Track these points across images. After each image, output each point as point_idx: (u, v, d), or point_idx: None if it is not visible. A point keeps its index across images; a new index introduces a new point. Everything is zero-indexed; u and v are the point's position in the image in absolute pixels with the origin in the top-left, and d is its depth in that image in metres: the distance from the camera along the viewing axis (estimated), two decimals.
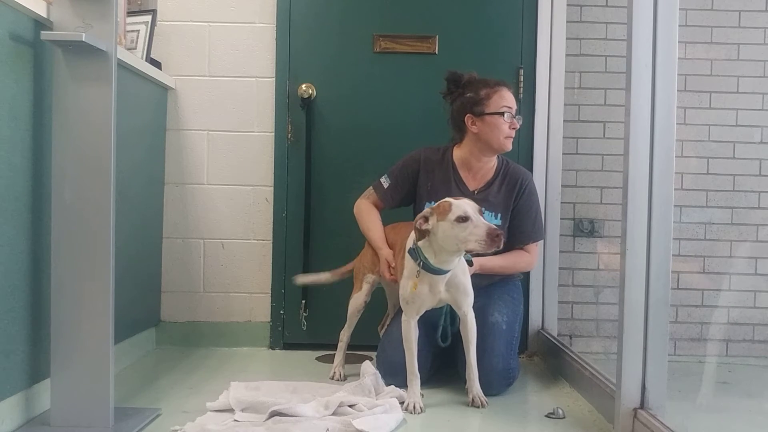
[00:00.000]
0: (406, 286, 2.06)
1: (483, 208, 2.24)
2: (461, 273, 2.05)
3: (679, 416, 1.69)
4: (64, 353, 1.73)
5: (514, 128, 2.31)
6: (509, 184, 2.36)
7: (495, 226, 1.89)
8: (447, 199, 1.99)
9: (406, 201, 2.46)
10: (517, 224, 2.35)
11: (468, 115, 2.31)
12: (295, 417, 1.80)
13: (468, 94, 2.32)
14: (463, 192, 2.32)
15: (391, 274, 2.23)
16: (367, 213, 2.41)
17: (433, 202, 2.12)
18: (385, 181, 2.43)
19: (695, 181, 3.00)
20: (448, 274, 2.02)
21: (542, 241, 2.62)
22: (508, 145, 2.32)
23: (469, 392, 2.08)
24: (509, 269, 2.37)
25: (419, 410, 1.98)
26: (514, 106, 2.32)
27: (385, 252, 2.29)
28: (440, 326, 2.19)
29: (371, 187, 2.46)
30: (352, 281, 2.44)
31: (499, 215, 2.33)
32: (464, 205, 1.92)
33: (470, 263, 2.15)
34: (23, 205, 1.75)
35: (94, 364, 1.74)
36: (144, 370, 2.46)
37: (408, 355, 2.07)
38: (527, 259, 2.39)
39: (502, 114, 2.27)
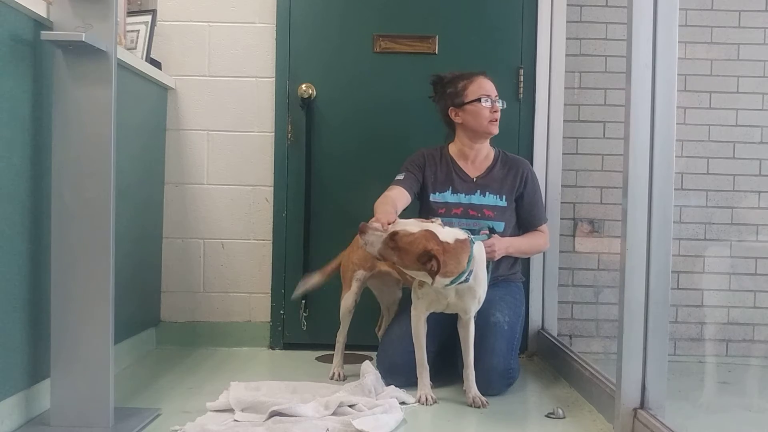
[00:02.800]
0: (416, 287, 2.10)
1: (487, 192, 2.39)
2: (478, 286, 2.03)
3: (679, 416, 1.69)
4: (64, 353, 1.73)
5: (495, 112, 2.37)
6: (511, 170, 2.44)
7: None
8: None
9: (419, 193, 2.45)
10: (529, 209, 2.46)
11: (451, 108, 2.40)
12: (295, 417, 1.80)
13: (449, 90, 2.41)
14: (464, 180, 2.41)
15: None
16: (389, 190, 2.31)
17: (437, 194, 2.39)
18: (400, 175, 2.41)
19: (695, 181, 3.00)
20: (451, 287, 1.97)
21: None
22: (494, 129, 2.39)
23: (468, 393, 2.08)
24: (532, 249, 2.52)
25: (431, 401, 2.02)
26: (494, 92, 2.39)
27: (382, 210, 2.11)
28: None
29: (392, 184, 2.37)
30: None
31: (504, 197, 2.41)
32: None
33: (491, 232, 2.25)
34: (23, 205, 1.75)
35: (94, 364, 1.73)
36: (144, 370, 2.46)
37: (417, 348, 2.09)
38: (544, 238, 2.51)
39: (479, 100, 2.35)
